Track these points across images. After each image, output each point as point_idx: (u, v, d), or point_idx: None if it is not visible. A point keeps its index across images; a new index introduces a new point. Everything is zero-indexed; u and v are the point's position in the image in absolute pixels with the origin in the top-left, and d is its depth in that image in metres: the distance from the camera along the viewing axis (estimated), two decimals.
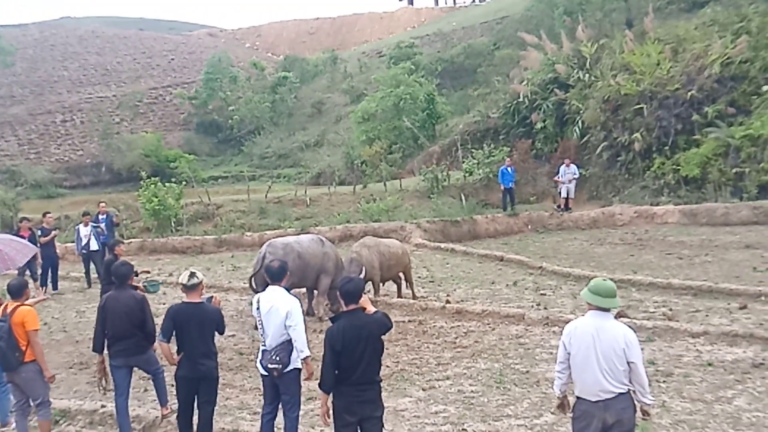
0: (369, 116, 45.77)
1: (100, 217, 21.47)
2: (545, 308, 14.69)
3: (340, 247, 21.29)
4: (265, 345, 7.98)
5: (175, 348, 8.33)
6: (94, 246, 20.30)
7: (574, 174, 27.35)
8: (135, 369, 9.16)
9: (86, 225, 20.51)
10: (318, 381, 6.97)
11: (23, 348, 8.58)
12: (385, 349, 7.10)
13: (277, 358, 7.78)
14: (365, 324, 6.82)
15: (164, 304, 15.93)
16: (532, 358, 11.51)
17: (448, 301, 15.51)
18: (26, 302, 8.91)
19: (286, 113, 67.15)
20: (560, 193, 27.79)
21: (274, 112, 66.64)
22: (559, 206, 27.63)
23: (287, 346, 7.80)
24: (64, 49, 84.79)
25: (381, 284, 16.34)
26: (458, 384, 10.48)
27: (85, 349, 12.21)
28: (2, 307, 8.93)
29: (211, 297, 8.68)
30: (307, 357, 7.84)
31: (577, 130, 31.90)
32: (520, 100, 35.30)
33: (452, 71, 57.23)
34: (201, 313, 8.22)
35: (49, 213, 21.09)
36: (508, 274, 18.85)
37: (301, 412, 8.23)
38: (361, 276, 15.21)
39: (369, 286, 16.14)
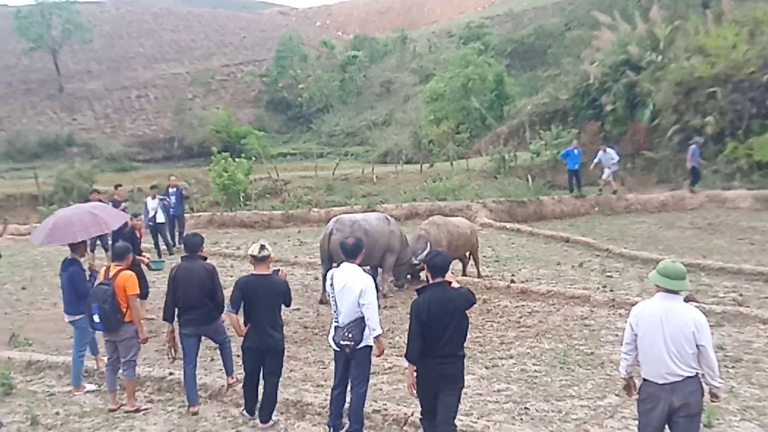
0: (437, 96, 45.70)
1: (170, 190, 21.80)
2: (611, 290, 14.48)
3: (405, 226, 21.31)
4: (337, 321, 7.99)
5: (242, 319, 8.42)
6: (160, 218, 20.70)
7: (612, 159, 26.67)
8: (203, 338, 9.28)
9: (153, 198, 20.86)
10: (404, 353, 7.01)
11: (124, 310, 8.96)
12: None
13: (350, 335, 7.80)
14: (451, 297, 6.83)
15: (231, 276, 16.12)
16: (597, 340, 11.37)
17: (512, 281, 15.39)
18: (128, 267, 9.31)
19: (354, 92, 67.39)
20: (603, 177, 27.21)
21: (343, 90, 66.93)
22: (615, 191, 27.04)
23: (360, 323, 7.80)
24: (139, 26, 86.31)
25: None
26: (521, 363, 10.40)
27: (155, 317, 12.43)
28: (104, 269, 9.36)
29: (278, 270, 8.72)
30: (379, 335, 7.86)
31: (648, 112, 31.29)
32: (591, 81, 34.79)
33: (522, 52, 56.71)
34: (269, 285, 8.30)
35: (120, 185, 21.47)
36: (574, 256, 18.64)
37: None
38: (427, 250, 15.18)
39: None
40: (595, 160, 26.98)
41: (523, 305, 13.88)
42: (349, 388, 8.13)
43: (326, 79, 66.80)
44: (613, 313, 12.89)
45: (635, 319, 6.36)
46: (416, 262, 15.06)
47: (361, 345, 7.87)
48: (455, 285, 6.99)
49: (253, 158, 32.31)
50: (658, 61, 31.99)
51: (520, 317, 13.04)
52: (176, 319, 9.04)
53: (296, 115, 67.55)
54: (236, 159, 30.06)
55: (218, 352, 9.65)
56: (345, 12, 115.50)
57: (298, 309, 14.10)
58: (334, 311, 8.07)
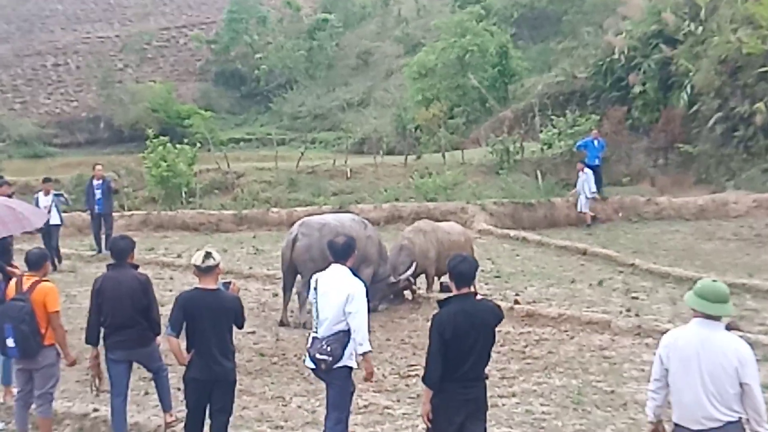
0: (426, 71, 45.76)
1: (95, 182, 21.65)
2: (637, 315, 14.60)
3: (386, 231, 21.41)
4: (316, 332, 8.13)
5: (184, 344, 8.43)
6: (55, 219, 20.14)
7: (589, 181, 25.74)
8: (134, 366, 9.27)
9: (47, 194, 20.42)
10: (422, 374, 7.17)
11: (43, 331, 8.88)
12: None
13: (329, 349, 7.92)
14: (478, 311, 7.05)
15: (171, 291, 16.11)
16: (619, 375, 11.47)
17: (516, 302, 15.47)
18: (45, 278, 9.19)
19: (324, 64, 67.23)
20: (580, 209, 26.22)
21: (310, 62, 66.74)
22: (588, 225, 25.85)
23: (342, 337, 7.94)
24: None
25: (436, 278, 16.37)
26: (526, 403, 10.48)
27: (76, 340, 12.34)
28: (15, 281, 9.22)
29: (229, 283, 8.73)
30: (367, 352, 7.98)
31: (685, 96, 31.48)
32: (615, 57, 34.98)
33: (531, 19, 56.78)
34: (217, 302, 8.26)
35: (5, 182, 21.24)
36: (592, 272, 18.77)
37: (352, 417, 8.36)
38: (411, 269, 15.29)
39: (420, 280, 16.22)
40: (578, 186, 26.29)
41: (529, 332, 13.97)
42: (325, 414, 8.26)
43: (290, 47, 66.61)
44: (638, 342, 13.00)
45: (666, 351, 6.43)
46: (395, 280, 15.20)
47: (340, 363, 7.98)
48: (479, 297, 7.23)
49: (199, 144, 32.20)
50: (698, 33, 32.19)
51: (526, 346, 13.13)
52: (102, 341, 9.03)
53: (252, 91, 67.37)
54: (177, 145, 29.96)
55: (153, 383, 9.66)
56: None
57: (253, 332, 14.13)
58: (315, 320, 8.22)
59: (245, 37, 68.98)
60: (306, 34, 69.06)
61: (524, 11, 57.11)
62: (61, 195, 21.23)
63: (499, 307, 7.34)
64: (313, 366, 8.16)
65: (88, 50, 70.10)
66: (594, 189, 25.98)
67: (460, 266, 7.12)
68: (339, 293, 7.96)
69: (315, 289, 8.24)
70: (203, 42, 72.03)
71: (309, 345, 8.21)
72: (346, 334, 7.91)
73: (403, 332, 13.90)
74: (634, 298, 16.08)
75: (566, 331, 13.90)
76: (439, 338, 6.92)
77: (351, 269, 8.34)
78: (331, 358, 7.91)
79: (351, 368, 8.08)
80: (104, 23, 77.06)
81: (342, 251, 8.30)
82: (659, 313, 14.76)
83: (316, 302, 8.19)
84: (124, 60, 70.21)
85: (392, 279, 15.34)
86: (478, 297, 7.29)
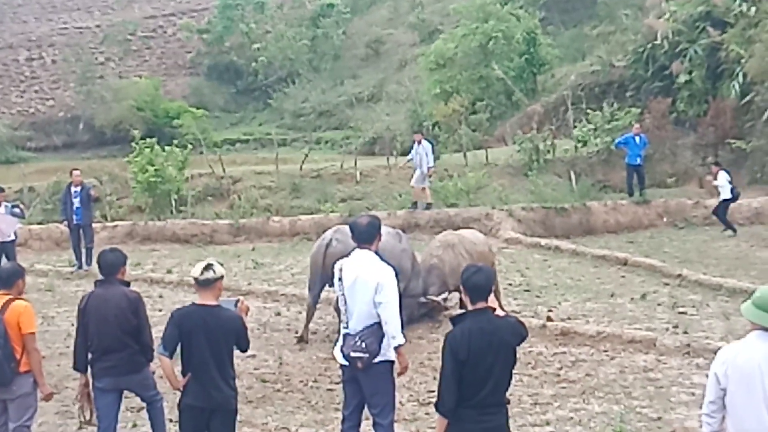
0: (445, 61, 45.83)
1: (73, 189, 21.62)
2: (685, 332, 14.53)
3: None
4: (347, 327, 8.20)
5: (179, 368, 8.36)
6: (7, 233, 19.74)
7: (426, 156, 25.60)
8: (124, 394, 9.22)
9: None
10: (435, 401, 7.05)
11: (18, 356, 8.72)
12: None
13: (363, 345, 7.96)
14: (497, 328, 6.86)
15: (161, 310, 16.12)
16: (666, 400, 11.42)
17: (549, 319, 15.46)
18: (20, 296, 9.01)
19: (330, 55, 67.33)
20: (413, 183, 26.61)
21: (314, 53, 66.87)
22: (415, 204, 26.65)
23: (377, 330, 7.99)
24: None
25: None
26: (562, 431, 10.48)
27: (54, 367, 12.41)
28: None
29: (237, 300, 8.61)
30: (400, 345, 8.02)
31: (737, 86, 31.34)
32: (657, 42, 34.90)
33: (563, 1, 56.82)
34: (217, 321, 8.09)
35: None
36: (634, 284, 18.72)
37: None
38: (444, 296, 15.31)
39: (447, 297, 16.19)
40: (409, 156, 26.84)
41: (564, 352, 13.94)
42: (372, 422, 8.28)
43: (291, 36, 66.68)
44: (687, 363, 12.95)
45: (723, 368, 6.30)
46: (425, 300, 15.21)
47: (379, 359, 8.06)
48: (500, 312, 7.06)
49: (190, 146, 32.23)
50: (751, 14, 32.06)
51: (560, 369, 13.10)
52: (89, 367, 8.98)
53: (249, 86, 67.50)
54: (166, 147, 30.01)
55: (145, 414, 9.62)
56: None
57: (254, 356, 14.08)
58: (344, 314, 8.32)
59: (241, 26, 69.05)
60: (309, 22, 69.20)
61: None
62: (17, 206, 21.06)
63: (521, 323, 7.15)
64: (346, 364, 8.18)
65: (66, 42, 70.29)
66: (432, 163, 26.02)
67: (474, 278, 6.93)
68: (367, 283, 8.01)
69: (340, 279, 8.29)
70: (194, 31, 72.11)
71: (341, 343, 8.26)
72: (381, 326, 7.97)
73: (422, 354, 13.85)
74: (681, 313, 16.02)
75: (606, 351, 13.86)
76: (452, 360, 6.76)
77: (376, 253, 8.37)
78: (367, 355, 7.95)
79: (392, 362, 8.14)
80: (83, 12, 77.27)
81: (366, 233, 8.31)
82: (710, 330, 14.70)
83: (343, 294, 8.25)
84: (105, 53, 70.40)
85: (422, 299, 15.32)
86: (498, 312, 7.06)
